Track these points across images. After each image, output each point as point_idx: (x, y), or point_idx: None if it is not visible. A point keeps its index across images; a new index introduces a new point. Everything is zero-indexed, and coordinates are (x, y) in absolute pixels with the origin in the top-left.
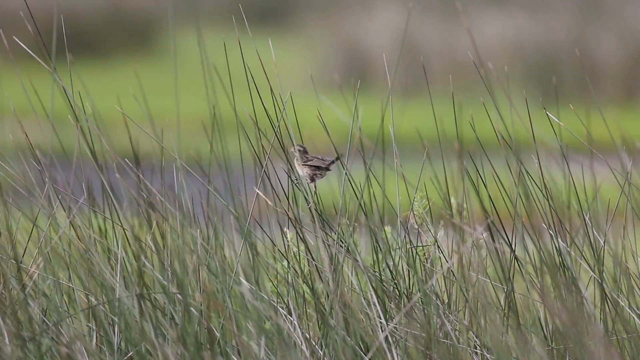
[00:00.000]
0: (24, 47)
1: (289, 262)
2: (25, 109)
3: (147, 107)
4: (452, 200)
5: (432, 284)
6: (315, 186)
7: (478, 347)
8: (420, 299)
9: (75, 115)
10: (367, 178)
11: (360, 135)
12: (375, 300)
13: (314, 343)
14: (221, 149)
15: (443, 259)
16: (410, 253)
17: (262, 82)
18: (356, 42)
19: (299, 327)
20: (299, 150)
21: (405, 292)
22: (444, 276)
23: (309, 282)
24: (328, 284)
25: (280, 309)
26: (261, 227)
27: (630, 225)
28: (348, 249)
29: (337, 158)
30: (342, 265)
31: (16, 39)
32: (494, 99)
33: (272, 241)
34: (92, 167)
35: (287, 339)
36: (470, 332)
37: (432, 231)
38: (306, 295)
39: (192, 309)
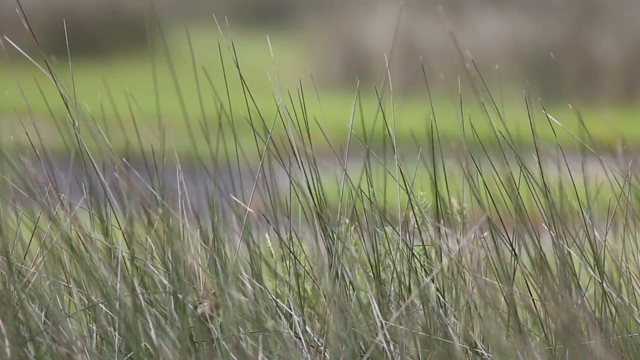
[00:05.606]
0: (19, 48)
1: (287, 262)
2: (24, 109)
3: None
4: (452, 200)
5: (432, 284)
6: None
7: (478, 347)
8: (419, 299)
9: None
10: (365, 167)
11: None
12: (374, 300)
13: (314, 342)
14: (224, 149)
15: (442, 259)
16: (410, 253)
17: (261, 82)
18: (356, 42)
19: (299, 327)
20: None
21: (405, 292)
22: (444, 276)
23: (308, 281)
24: (327, 283)
25: (279, 309)
26: (262, 227)
27: (630, 225)
28: (345, 249)
29: None
30: (342, 265)
31: (9, 40)
32: (492, 98)
33: (272, 240)
34: (92, 167)
35: (287, 338)
36: (470, 332)
37: (431, 230)
38: (306, 295)
39: (191, 306)
